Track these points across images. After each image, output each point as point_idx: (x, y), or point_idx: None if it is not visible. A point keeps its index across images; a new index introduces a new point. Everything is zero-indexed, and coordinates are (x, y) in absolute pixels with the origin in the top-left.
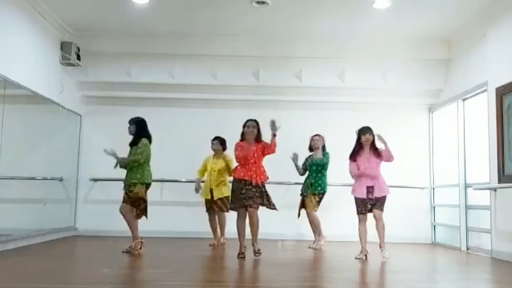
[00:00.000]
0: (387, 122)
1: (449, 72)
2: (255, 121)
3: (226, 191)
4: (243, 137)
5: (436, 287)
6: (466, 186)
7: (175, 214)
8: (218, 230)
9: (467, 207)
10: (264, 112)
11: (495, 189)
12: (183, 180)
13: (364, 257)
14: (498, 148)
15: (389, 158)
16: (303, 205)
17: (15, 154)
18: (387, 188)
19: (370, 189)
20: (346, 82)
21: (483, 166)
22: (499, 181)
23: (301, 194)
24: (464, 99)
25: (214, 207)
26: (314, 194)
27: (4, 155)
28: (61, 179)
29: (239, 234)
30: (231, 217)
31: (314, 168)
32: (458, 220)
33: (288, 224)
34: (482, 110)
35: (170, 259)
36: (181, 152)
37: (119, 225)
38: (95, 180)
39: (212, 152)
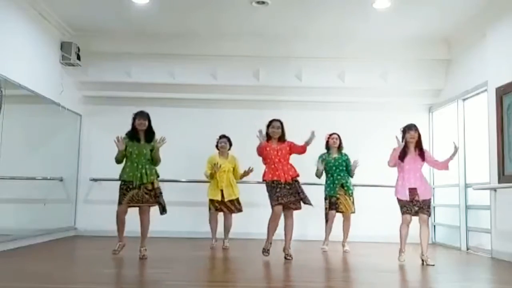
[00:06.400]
0: (387, 122)
1: (449, 72)
2: (280, 121)
3: (237, 192)
4: (268, 136)
5: (436, 287)
6: (466, 186)
7: (175, 214)
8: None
9: (467, 207)
10: (264, 112)
11: (495, 189)
12: (183, 180)
13: (404, 259)
14: (498, 148)
15: (446, 167)
16: (332, 207)
17: (15, 154)
18: (431, 191)
19: (413, 191)
20: (346, 82)
21: (483, 166)
22: (499, 181)
23: (330, 196)
24: (464, 99)
25: (222, 208)
26: (350, 195)
27: (4, 155)
28: (61, 179)
29: (268, 231)
30: (234, 218)
31: (340, 167)
32: (458, 220)
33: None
34: (482, 110)
35: (170, 259)
36: (181, 152)
37: None
38: (95, 180)
39: (215, 150)
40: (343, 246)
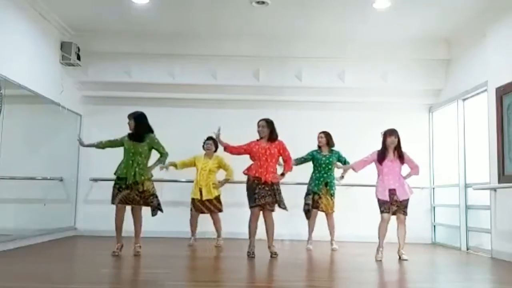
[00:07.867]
0: (387, 122)
1: (449, 72)
2: (265, 120)
3: (215, 191)
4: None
5: (436, 287)
6: (466, 186)
7: (174, 214)
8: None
9: (467, 207)
10: (264, 112)
11: (495, 189)
12: (183, 180)
13: (381, 256)
14: (498, 148)
15: (416, 173)
16: (314, 205)
17: (15, 154)
18: (410, 190)
19: (393, 192)
20: (346, 82)
21: (483, 166)
22: (499, 181)
23: (313, 193)
24: (464, 99)
25: (202, 208)
26: (331, 195)
27: (4, 155)
28: (61, 179)
29: (250, 233)
30: (225, 218)
31: (330, 165)
32: (458, 220)
33: (284, 223)
34: (482, 110)
35: (170, 259)
36: (181, 152)
37: None
38: (95, 180)
39: (202, 151)
40: (331, 244)
